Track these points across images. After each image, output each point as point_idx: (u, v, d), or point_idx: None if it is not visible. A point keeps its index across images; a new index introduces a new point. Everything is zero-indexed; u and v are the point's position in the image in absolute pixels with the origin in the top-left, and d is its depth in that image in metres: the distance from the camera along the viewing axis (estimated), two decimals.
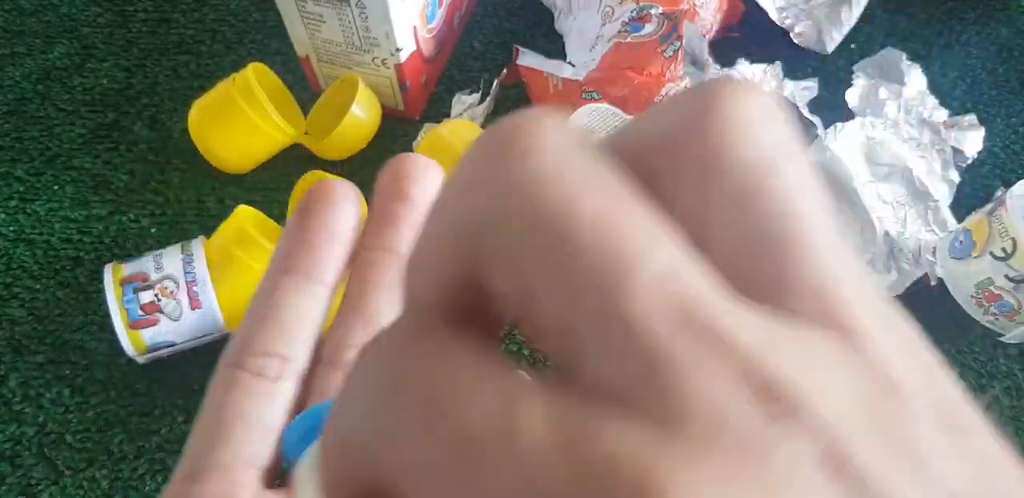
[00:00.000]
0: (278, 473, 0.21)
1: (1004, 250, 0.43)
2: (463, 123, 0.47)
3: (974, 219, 0.46)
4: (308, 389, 0.21)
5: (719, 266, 0.11)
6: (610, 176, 0.11)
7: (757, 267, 0.12)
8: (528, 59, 0.51)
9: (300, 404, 0.21)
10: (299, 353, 0.21)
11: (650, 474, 0.09)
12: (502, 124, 0.11)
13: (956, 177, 0.51)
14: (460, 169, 0.12)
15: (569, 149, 0.11)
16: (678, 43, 0.48)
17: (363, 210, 0.24)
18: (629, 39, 0.49)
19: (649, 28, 0.49)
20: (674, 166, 0.12)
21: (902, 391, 0.12)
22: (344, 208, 0.22)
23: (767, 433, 0.10)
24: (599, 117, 0.47)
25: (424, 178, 0.23)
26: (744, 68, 0.52)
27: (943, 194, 0.50)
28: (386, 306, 0.22)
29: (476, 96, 0.51)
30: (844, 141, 0.49)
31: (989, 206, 0.45)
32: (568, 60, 0.54)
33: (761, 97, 0.12)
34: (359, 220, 0.23)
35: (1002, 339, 0.46)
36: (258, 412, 0.20)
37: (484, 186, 0.11)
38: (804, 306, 0.11)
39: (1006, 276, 0.43)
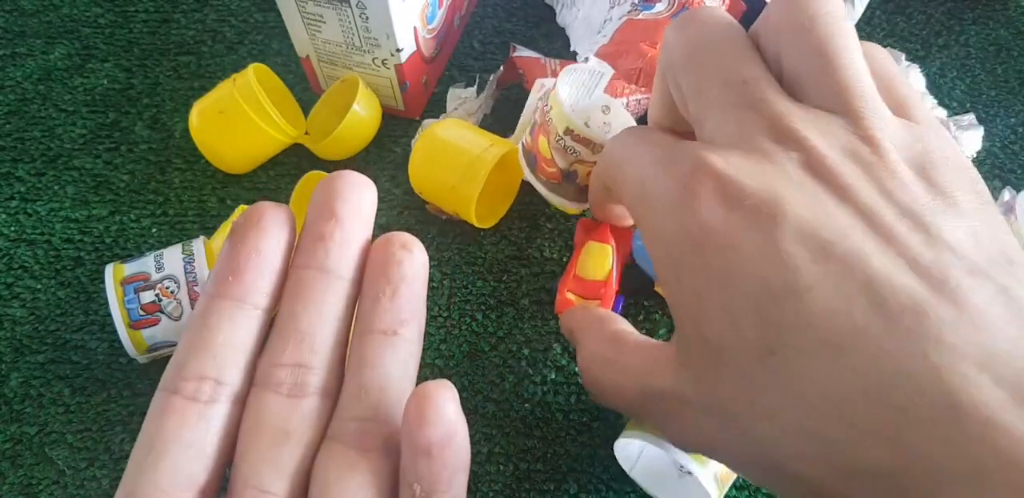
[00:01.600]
0: (216, 494, 0.21)
1: None
2: (458, 122, 0.47)
3: None
4: (245, 410, 0.22)
5: (785, 71, 0.22)
6: (736, 40, 0.24)
7: (805, 79, 0.21)
8: (526, 54, 0.51)
9: (236, 426, 0.21)
10: (232, 376, 0.21)
11: (703, 155, 0.20)
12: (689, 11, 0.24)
13: None
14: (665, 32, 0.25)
15: (723, 24, 0.25)
16: None
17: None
18: (641, 16, 0.49)
19: (660, 6, 0.49)
20: (767, 28, 0.23)
21: (883, 145, 0.19)
22: (274, 231, 0.22)
23: (773, 147, 0.20)
24: (584, 75, 0.46)
25: (353, 196, 0.23)
26: None
27: None
28: (316, 323, 0.22)
29: (472, 90, 0.51)
30: None
31: (999, 209, 0.45)
32: (572, 50, 0.54)
33: None
34: (292, 242, 0.23)
35: None
36: (192, 435, 0.20)
37: (671, 41, 0.24)
38: (828, 102, 0.20)
39: None
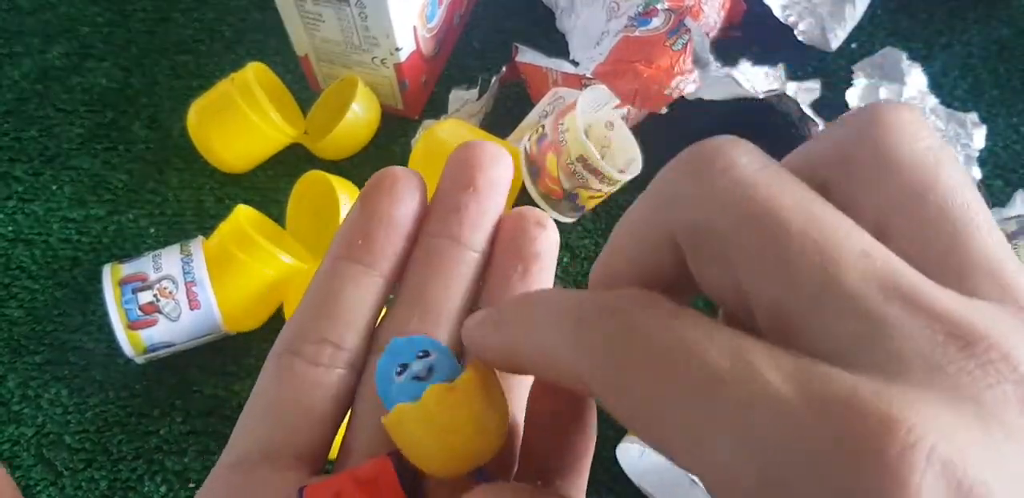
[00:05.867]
0: (326, 460, 0.20)
1: None
2: (459, 123, 0.47)
3: None
4: (360, 378, 0.21)
5: (901, 253, 0.13)
6: (797, 182, 0.13)
7: (937, 253, 0.14)
8: (528, 57, 0.50)
9: (351, 393, 0.21)
10: (353, 342, 0.21)
11: (891, 407, 0.11)
12: (699, 145, 0.14)
13: (978, 174, 0.50)
14: (663, 179, 0.15)
15: (759, 163, 0.14)
16: (686, 36, 0.48)
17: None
18: (637, 33, 0.49)
19: (657, 22, 0.49)
20: (846, 173, 0.14)
21: None
22: (407, 198, 0.22)
23: (978, 378, 0.12)
24: (599, 93, 0.47)
25: (492, 167, 0.22)
26: (746, 69, 0.51)
27: None
28: (443, 295, 0.21)
29: (474, 91, 0.51)
30: None
31: (1013, 225, 0.43)
32: (571, 58, 0.54)
33: (912, 110, 0.14)
34: (423, 209, 0.22)
35: None
36: (309, 401, 0.20)
37: (693, 194, 0.14)
38: (984, 287, 0.14)
39: None
